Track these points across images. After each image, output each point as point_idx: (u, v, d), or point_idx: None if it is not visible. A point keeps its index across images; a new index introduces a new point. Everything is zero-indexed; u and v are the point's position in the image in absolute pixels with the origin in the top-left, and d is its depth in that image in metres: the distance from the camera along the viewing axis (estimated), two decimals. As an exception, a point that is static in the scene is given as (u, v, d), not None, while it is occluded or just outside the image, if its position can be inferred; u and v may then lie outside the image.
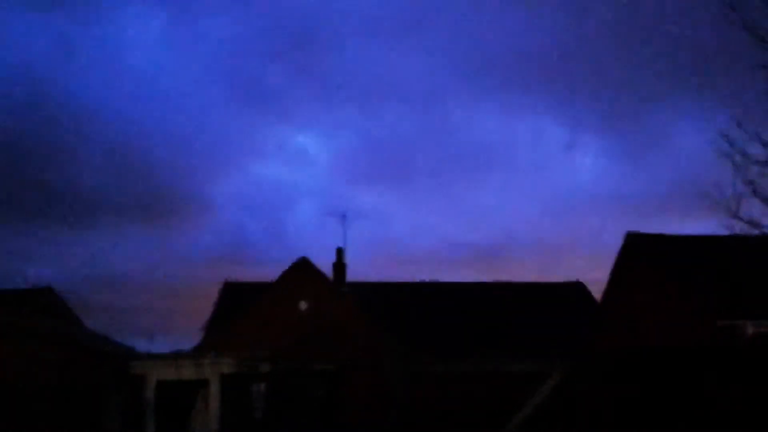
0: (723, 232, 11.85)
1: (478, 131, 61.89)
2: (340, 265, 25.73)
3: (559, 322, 24.23)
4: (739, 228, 11.25)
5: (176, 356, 17.37)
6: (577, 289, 27.04)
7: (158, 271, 57.02)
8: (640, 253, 18.97)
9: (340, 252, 25.89)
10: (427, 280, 27.88)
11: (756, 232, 11.30)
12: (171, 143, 59.27)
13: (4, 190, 49.01)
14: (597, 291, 25.42)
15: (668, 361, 15.81)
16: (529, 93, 62.09)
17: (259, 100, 65.10)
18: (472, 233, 60.40)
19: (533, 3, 58.56)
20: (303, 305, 23.53)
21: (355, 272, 26.47)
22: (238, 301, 25.04)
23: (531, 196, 62.68)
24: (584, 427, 15.71)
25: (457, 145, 63.51)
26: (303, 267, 23.87)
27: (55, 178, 52.68)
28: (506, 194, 62.24)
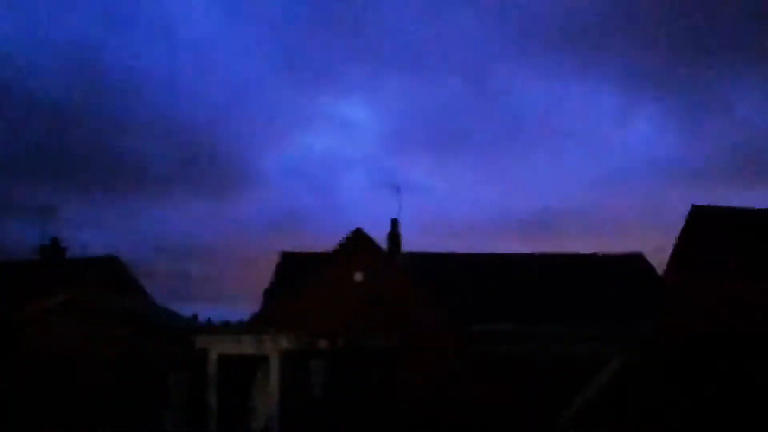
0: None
1: (528, 98, 60.45)
2: (394, 236, 25.69)
3: (619, 296, 23.72)
4: None
5: (238, 331, 17.71)
6: (637, 261, 26.35)
7: (216, 240, 58.44)
8: (706, 226, 18.25)
9: (394, 223, 25.84)
10: (481, 251, 27.58)
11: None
12: (222, 115, 60.03)
13: (68, 161, 50.64)
14: (658, 263, 24.90)
15: (748, 351, 14.98)
16: (581, 58, 60.12)
17: (307, 71, 64.92)
18: (524, 203, 59.56)
19: None
20: (359, 276, 23.60)
21: (408, 243, 26.43)
22: (294, 271, 25.35)
23: (585, 165, 61.23)
24: (647, 425, 15.18)
25: (507, 112, 62.31)
26: (358, 238, 23.89)
27: (114, 148, 54.17)
28: (559, 162, 60.85)
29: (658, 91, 60.70)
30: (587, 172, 60.20)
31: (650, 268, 25.65)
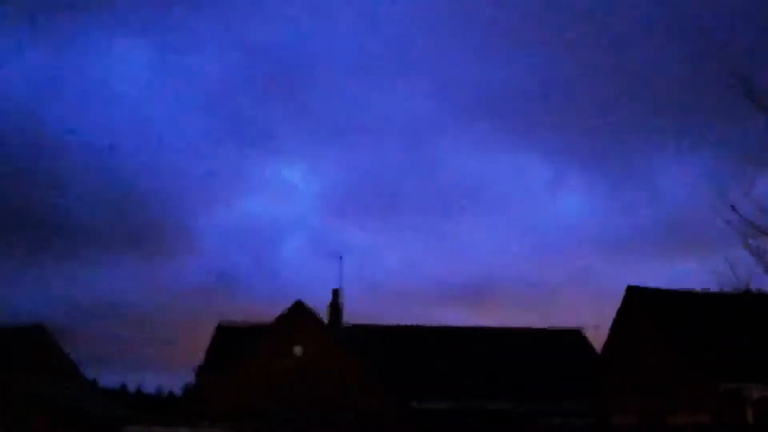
0: (710, 277, 11.77)
1: (463, 168, 61.86)
2: (335, 307, 25.34)
3: (558, 371, 23.83)
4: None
5: (170, 422, 16.93)
6: (576, 337, 26.63)
7: (150, 304, 56.82)
8: (641, 308, 18.70)
9: (336, 293, 25.53)
10: (421, 322, 27.39)
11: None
12: (159, 177, 59.29)
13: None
14: (594, 339, 25.27)
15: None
16: (513, 131, 62.25)
17: (247, 136, 65.12)
18: (459, 271, 60.05)
19: (517, 44, 58.93)
20: (298, 350, 23.11)
21: (347, 309, 25.99)
22: (230, 343, 24.63)
23: (517, 234, 62.65)
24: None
25: (442, 182, 63.62)
26: (298, 311, 23.50)
27: (43, 210, 52.55)
28: (493, 231, 62.15)
29: (585, 164, 63.14)
30: (520, 243, 61.49)
31: (588, 344, 25.96)
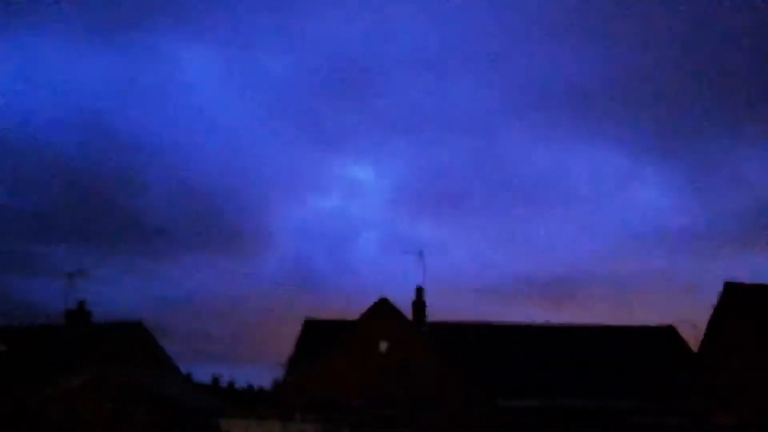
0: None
1: (535, 162, 60.26)
2: (419, 305, 25.41)
3: (651, 370, 23.08)
4: None
5: (262, 415, 17.46)
6: (669, 334, 25.70)
7: (234, 300, 58.59)
8: (741, 304, 17.88)
9: (419, 291, 25.58)
10: (504, 320, 27.00)
11: None
12: (236, 178, 60.91)
13: (88, 223, 51.55)
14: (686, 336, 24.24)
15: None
16: (585, 123, 60.17)
17: (317, 136, 66.04)
18: (536, 267, 58.63)
19: (590, 37, 56.97)
20: (383, 346, 23.27)
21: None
22: (317, 338, 25.11)
23: (594, 229, 60.35)
24: None
25: (514, 176, 62.28)
26: (383, 307, 23.65)
27: (129, 211, 55.09)
28: (569, 226, 60.16)
29: (662, 155, 60.40)
30: (598, 238, 59.29)
31: (682, 342, 25.00)
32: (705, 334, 19.55)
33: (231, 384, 45.29)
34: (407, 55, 65.55)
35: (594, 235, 60.50)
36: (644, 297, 51.92)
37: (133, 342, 26.27)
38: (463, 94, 63.57)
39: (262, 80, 68.55)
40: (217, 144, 66.49)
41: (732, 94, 56.50)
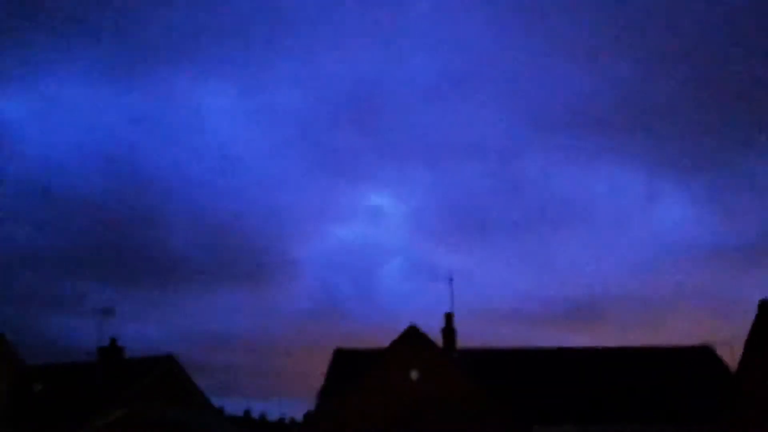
0: None
1: (552, 185, 59.88)
2: (449, 331, 25.29)
3: (689, 392, 22.58)
4: None
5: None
6: (707, 354, 25.17)
7: (260, 331, 58.88)
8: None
9: (449, 317, 25.46)
10: (535, 344, 26.71)
11: None
12: (255, 212, 61.56)
13: (107, 260, 52.45)
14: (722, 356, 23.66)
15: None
16: (600, 144, 59.74)
17: (333, 166, 66.74)
18: (560, 291, 57.90)
19: (604, 54, 56.89)
20: (414, 374, 23.13)
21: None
22: (348, 368, 25.04)
23: (617, 250, 59.55)
24: None
25: (532, 199, 61.86)
26: (412, 335, 23.57)
27: (152, 247, 55.97)
28: (591, 248, 59.51)
29: (681, 171, 59.59)
30: (622, 258, 58.14)
31: (720, 362, 24.45)
32: (742, 354, 19.10)
33: (263, 417, 45.29)
34: (421, 83, 66.33)
35: (617, 256, 59.66)
36: (674, 317, 51.01)
37: (165, 377, 26.41)
38: (478, 118, 63.92)
39: (278, 114, 69.89)
40: (237, 179, 67.46)
41: (751, 105, 55.90)
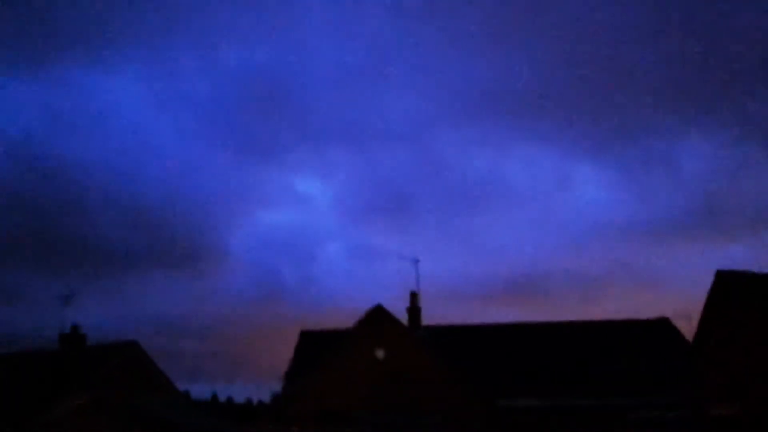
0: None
1: (473, 166, 61.43)
2: (414, 310, 25.53)
3: (645, 362, 23.18)
4: None
5: (261, 428, 17.40)
6: (664, 326, 25.84)
7: (201, 316, 59.00)
8: (736, 293, 17.99)
9: (414, 296, 25.72)
10: (492, 321, 27.08)
11: None
12: (177, 197, 61.54)
13: (36, 249, 51.67)
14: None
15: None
16: (516, 126, 61.32)
17: (253, 153, 67.21)
18: (491, 268, 59.33)
19: (517, 36, 57.99)
20: (380, 353, 23.30)
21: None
22: (313, 349, 25.13)
23: (539, 229, 61.42)
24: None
25: (453, 181, 63.47)
26: (378, 314, 23.71)
27: (78, 236, 55.29)
28: (513, 228, 61.50)
29: (599, 151, 61.63)
30: (545, 238, 59.89)
31: (678, 334, 25.12)
32: (698, 325, 19.66)
33: (230, 400, 45.16)
34: (336, 65, 67.32)
35: (539, 234, 61.58)
36: (610, 292, 52.82)
37: (129, 363, 26.14)
38: (397, 100, 64.92)
39: (188, 103, 70.10)
40: (156, 167, 67.13)
41: (662, 87, 57.73)
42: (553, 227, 60.17)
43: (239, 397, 46.29)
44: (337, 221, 67.91)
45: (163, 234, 60.80)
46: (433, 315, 26.45)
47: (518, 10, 58.90)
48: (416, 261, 25.56)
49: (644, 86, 57.49)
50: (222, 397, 44.90)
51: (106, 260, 56.10)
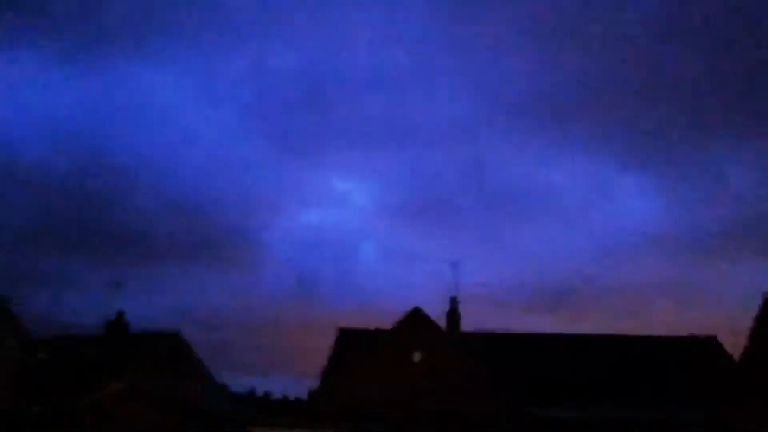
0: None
1: (514, 172, 60.02)
2: (454, 315, 25.28)
3: (691, 380, 22.49)
4: None
5: (294, 423, 17.53)
6: (709, 344, 25.02)
7: (242, 310, 59.71)
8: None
9: (453, 301, 25.45)
10: (530, 330, 26.66)
11: None
12: (219, 193, 62.51)
13: (87, 237, 53.09)
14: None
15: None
16: (565, 132, 59.77)
17: (295, 152, 67.64)
18: (530, 276, 58.11)
19: (565, 43, 56.63)
20: (417, 356, 23.17)
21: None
22: (351, 347, 25.12)
23: (582, 239, 59.81)
24: None
25: (495, 186, 62.10)
26: (416, 317, 23.61)
27: (131, 227, 56.55)
28: (554, 236, 59.80)
29: (645, 162, 59.64)
30: (586, 246, 58.46)
31: (724, 352, 24.28)
32: (746, 345, 19.03)
33: (267, 394, 45.57)
34: (376, 69, 67.51)
35: (582, 243, 60.13)
36: (653, 306, 51.29)
37: (171, 352, 26.61)
38: (439, 106, 64.39)
39: (233, 99, 70.73)
40: (202, 164, 68.39)
41: (711, 99, 55.79)
42: (596, 237, 59.02)
43: (276, 391, 46.71)
44: (376, 222, 68.15)
45: (206, 228, 62.12)
46: (470, 321, 26.16)
47: (565, 16, 58.04)
48: (454, 264, 25.29)
49: (692, 97, 56.01)
50: (260, 391, 45.35)
51: (149, 251, 57.59)
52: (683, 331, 25.87)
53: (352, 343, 25.37)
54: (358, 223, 69.19)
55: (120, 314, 28.38)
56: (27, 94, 68.88)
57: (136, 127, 69.54)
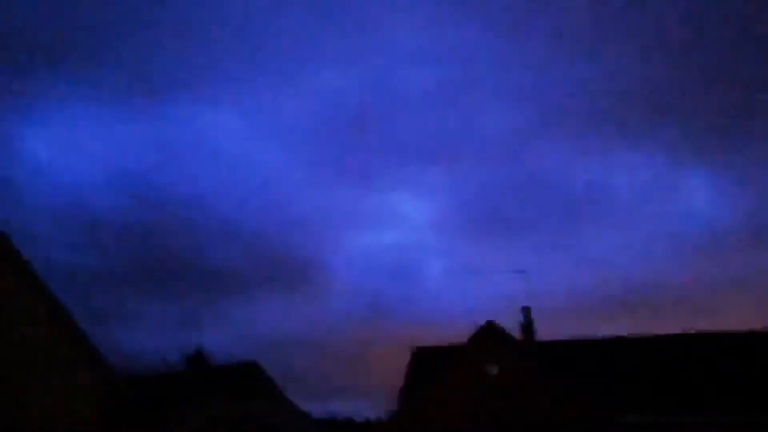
0: None
1: (574, 177, 58.78)
2: (528, 325, 25.05)
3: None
4: None
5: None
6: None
7: (313, 335, 60.31)
8: None
9: (527, 311, 25.25)
10: (609, 334, 26.07)
11: None
12: (282, 222, 63.27)
13: (151, 275, 54.67)
14: None
15: None
16: (624, 131, 58.13)
17: (352, 175, 67.97)
18: (602, 282, 56.51)
19: (616, 43, 55.33)
20: (493, 369, 23.01)
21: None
22: (426, 365, 25.16)
23: (650, 239, 57.79)
24: None
25: (556, 192, 60.86)
26: (490, 330, 23.49)
27: (192, 259, 57.96)
28: (624, 238, 58.16)
29: (710, 156, 57.27)
30: (657, 247, 56.42)
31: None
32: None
33: (349, 419, 45.88)
34: (422, 85, 67.27)
35: (651, 245, 58.13)
36: (728, 304, 49.09)
37: (252, 382, 27.15)
38: (490, 118, 63.92)
39: (288, 129, 72.04)
40: (261, 194, 69.58)
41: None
42: (664, 236, 57.34)
43: (352, 414, 46.94)
44: (438, 239, 68.32)
45: (270, 258, 63.35)
46: (543, 330, 25.87)
47: (619, 12, 57.23)
48: (522, 272, 25.25)
49: (759, 88, 54.15)
50: (339, 416, 45.69)
51: (218, 284, 59.03)
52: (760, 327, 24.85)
53: (428, 361, 25.41)
54: (420, 242, 69.55)
55: (198, 348, 29.28)
56: (91, 141, 71.90)
57: (200, 166, 72.02)
